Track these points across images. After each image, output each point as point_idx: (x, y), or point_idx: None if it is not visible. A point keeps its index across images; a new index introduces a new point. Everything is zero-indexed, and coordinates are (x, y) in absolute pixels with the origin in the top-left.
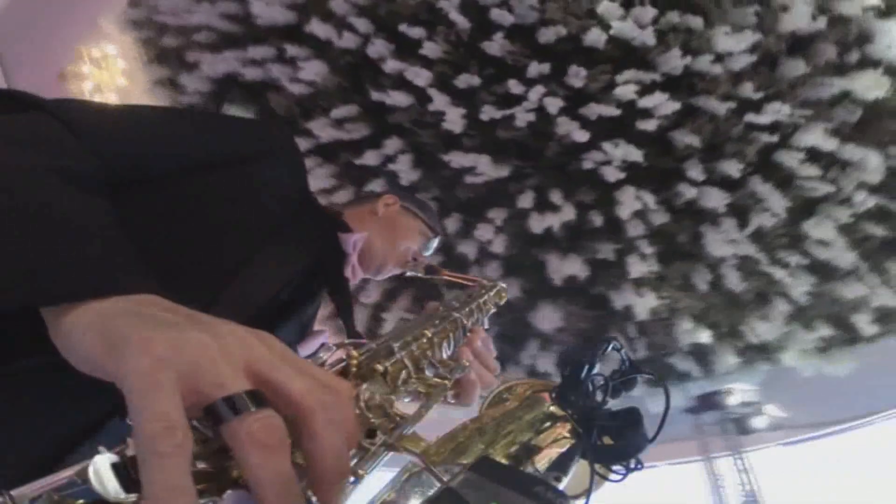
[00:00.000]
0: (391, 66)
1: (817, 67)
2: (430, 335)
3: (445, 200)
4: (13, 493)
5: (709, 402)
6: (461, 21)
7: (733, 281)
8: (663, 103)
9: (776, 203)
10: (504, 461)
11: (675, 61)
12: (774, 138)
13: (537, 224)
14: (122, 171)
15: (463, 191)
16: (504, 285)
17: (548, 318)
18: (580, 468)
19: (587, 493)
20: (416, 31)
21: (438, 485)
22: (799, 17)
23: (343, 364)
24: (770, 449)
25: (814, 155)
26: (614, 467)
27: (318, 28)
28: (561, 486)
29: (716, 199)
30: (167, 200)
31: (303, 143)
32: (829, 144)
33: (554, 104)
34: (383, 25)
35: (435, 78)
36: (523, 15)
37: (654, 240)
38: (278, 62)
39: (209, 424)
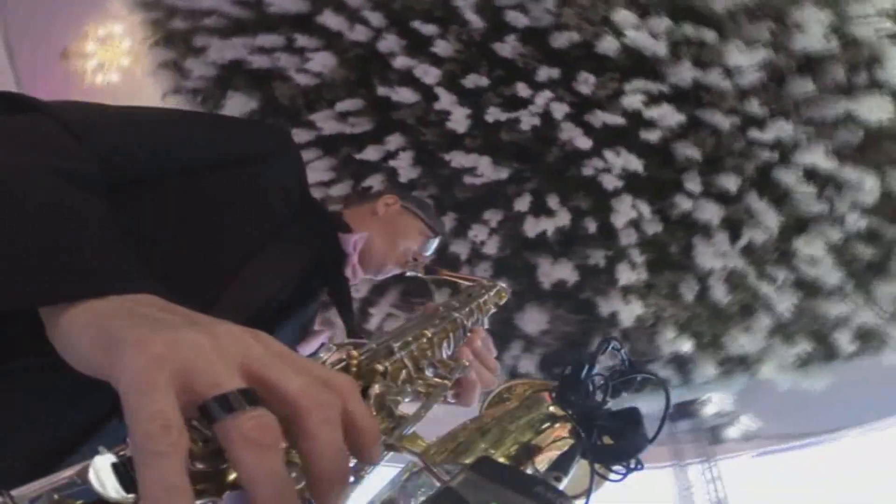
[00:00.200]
0: (401, 62)
1: (824, 87)
2: (430, 335)
3: (442, 199)
4: (13, 493)
5: (685, 411)
6: (475, 20)
7: (720, 293)
8: (669, 115)
9: (770, 219)
10: (504, 461)
11: (684, 73)
12: (775, 156)
13: (532, 228)
14: (121, 172)
15: (461, 191)
16: (504, 285)
17: (534, 320)
18: (580, 468)
19: (587, 493)
20: (428, 29)
21: (438, 485)
22: (812, 36)
23: (343, 364)
24: (741, 459)
25: (811, 174)
26: (614, 467)
27: (330, 19)
28: (561, 486)
29: (711, 212)
30: (167, 201)
31: (304, 135)
32: (827, 164)
33: (560, 109)
34: (396, 20)
35: (443, 76)
36: (538, 18)
37: (645, 248)
38: (287, 51)
39: (206, 426)
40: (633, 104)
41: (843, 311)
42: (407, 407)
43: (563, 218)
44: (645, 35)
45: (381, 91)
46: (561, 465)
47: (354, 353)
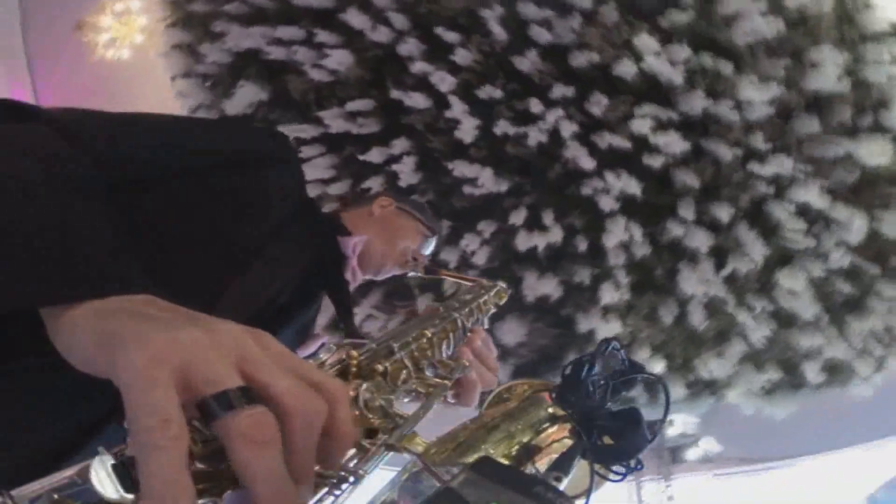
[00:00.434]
0: (418, 66)
1: (829, 127)
2: (430, 335)
3: (439, 207)
4: (13, 493)
5: (649, 430)
6: (499, 32)
7: (698, 318)
8: (675, 142)
9: (757, 251)
10: (504, 461)
11: (696, 102)
12: (771, 190)
13: (523, 241)
14: (119, 176)
15: (458, 200)
16: (504, 285)
17: (512, 331)
18: (580, 468)
19: (587, 493)
20: (451, 36)
21: (438, 485)
22: (827, 77)
23: (343, 364)
24: (698, 478)
25: (803, 209)
26: (614, 467)
27: (354, 17)
28: (561, 487)
29: (700, 240)
30: (166, 204)
31: (310, 131)
32: (821, 202)
33: (568, 128)
34: (420, 25)
35: (458, 85)
36: (561, 35)
37: (631, 270)
38: (305, 45)
39: (205, 424)
40: (641, 129)
41: (816, 343)
42: (407, 407)
43: (556, 234)
44: (663, 62)
45: (395, 94)
46: (561, 465)
47: (354, 353)
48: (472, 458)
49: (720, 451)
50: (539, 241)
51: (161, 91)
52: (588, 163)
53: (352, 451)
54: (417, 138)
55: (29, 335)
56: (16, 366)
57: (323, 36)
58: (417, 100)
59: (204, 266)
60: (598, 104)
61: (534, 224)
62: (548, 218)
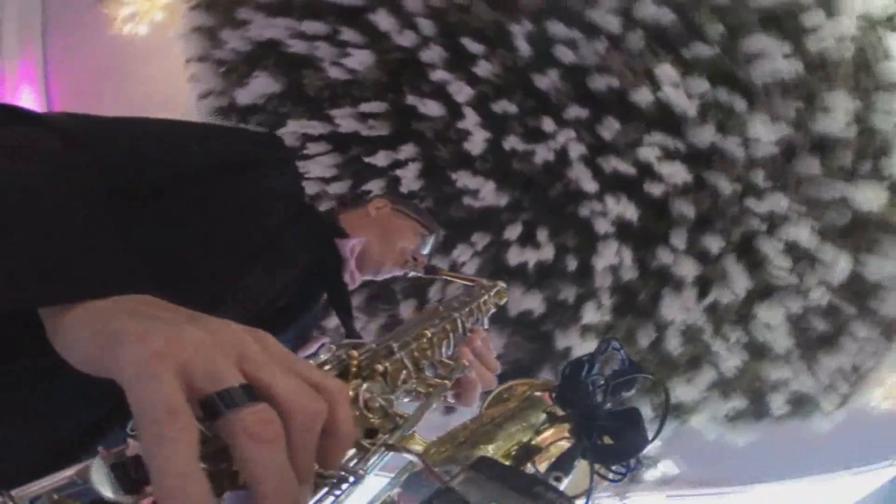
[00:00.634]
0: (438, 75)
1: (829, 169)
2: (429, 335)
3: (436, 214)
4: (13, 493)
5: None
6: (524, 48)
7: (673, 343)
8: (679, 173)
9: (740, 284)
10: (504, 461)
11: (705, 135)
12: (763, 226)
13: (514, 256)
14: (118, 180)
15: (457, 210)
16: (504, 285)
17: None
18: (580, 468)
19: (587, 493)
20: (476, 47)
21: (438, 485)
22: (836, 121)
23: (343, 364)
24: (652, 500)
25: (791, 247)
26: (614, 467)
27: (383, 19)
28: (561, 487)
29: (687, 269)
30: (164, 208)
31: (318, 128)
32: (810, 242)
33: (577, 149)
34: (447, 33)
35: (475, 97)
36: (584, 57)
37: (615, 292)
38: (328, 42)
39: (207, 422)
40: (648, 156)
41: (784, 376)
42: (407, 407)
43: (548, 252)
44: (680, 93)
45: (410, 100)
46: (561, 465)
47: (354, 353)
48: (472, 458)
49: (677, 474)
50: (530, 258)
51: (173, 72)
52: (590, 185)
53: (352, 451)
54: (425, 145)
55: (29, 336)
56: (16, 367)
57: (348, 34)
58: (432, 107)
59: (203, 269)
60: (610, 128)
61: (527, 240)
62: (542, 235)
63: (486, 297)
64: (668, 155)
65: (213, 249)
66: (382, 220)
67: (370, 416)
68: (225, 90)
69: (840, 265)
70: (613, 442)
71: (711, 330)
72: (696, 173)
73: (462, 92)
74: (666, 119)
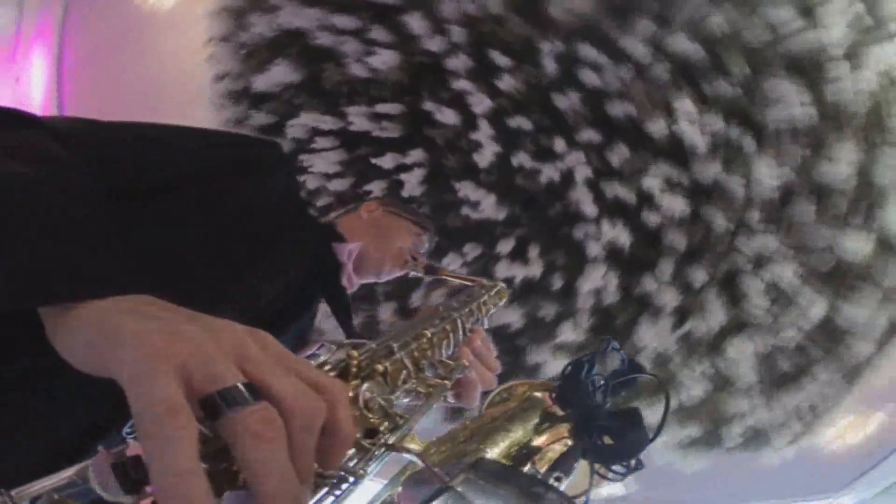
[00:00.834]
0: (460, 84)
1: (822, 216)
2: (429, 335)
3: (433, 220)
4: (13, 492)
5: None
6: (550, 67)
7: None
8: (678, 205)
9: (716, 317)
10: (504, 461)
11: (710, 171)
12: (749, 265)
13: (503, 270)
14: (118, 180)
15: (454, 219)
16: (504, 285)
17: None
18: (580, 468)
19: (587, 493)
20: (503, 60)
21: (438, 485)
22: (839, 171)
23: (343, 364)
24: None
25: (772, 287)
26: (614, 467)
27: (415, 21)
28: (561, 487)
29: (668, 299)
30: (164, 209)
31: (330, 123)
32: (791, 284)
33: (583, 172)
34: (477, 42)
35: (492, 109)
36: (608, 82)
37: (594, 314)
38: (355, 38)
39: (207, 422)
40: (651, 186)
41: (743, 409)
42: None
43: (536, 269)
44: (695, 128)
45: (428, 105)
46: (561, 465)
47: (354, 353)
48: (472, 458)
49: (623, 495)
50: (518, 273)
51: (191, 50)
52: (590, 208)
53: (352, 451)
54: (434, 152)
55: (29, 336)
56: (16, 367)
57: (377, 32)
58: (448, 115)
59: (201, 271)
60: (619, 155)
61: (518, 255)
62: (533, 252)
63: (485, 297)
64: (671, 186)
65: (212, 251)
66: (376, 223)
67: (370, 416)
68: (242, 74)
69: (816, 309)
70: (613, 442)
71: (681, 359)
72: (695, 207)
73: (481, 103)
74: (675, 151)
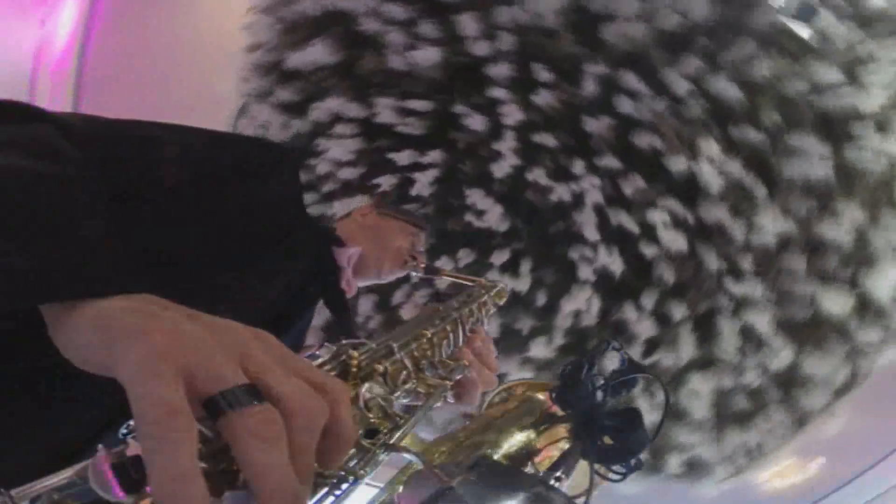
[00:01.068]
0: (496, 92)
1: (812, 268)
2: (429, 335)
3: (432, 222)
4: (13, 492)
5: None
6: (589, 89)
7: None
8: (678, 241)
9: (686, 352)
10: (504, 461)
11: (716, 213)
12: (730, 306)
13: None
14: (120, 181)
15: (455, 223)
16: (504, 285)
17: None
18: (580, 468)
19: (587, 493)
20: (545, 76)
21: (438, 485)
22: (840, 229)
23: (343, 364)
24: None
25: (746, 330)
26: (614, 467)
27: (467, 23)
28: (561, 487)
29: (644, 328)
30: (165, 209)
31: (355, 110)
32: (765, 330)
33: (594, 196)
34: (523, 53)
35: (521, 122)
36: (641, 113)
37: (568, 334)
38: (402, 29)
39: (208, 422)
40: (656, 219)
41: (692, 441)
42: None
43: (525, 284)
44: (713, 170)
45: (458, 108)
46: (561, 465)
47: (354, 353)
48: (472, 458)
49: None
50: (507, 284)
51: (228, 15)
52: (592, 233)
53: (352, 451)
54: (452, 156)
55: (29, 336)
56: (16, 367)
57: (425, 27)
58: (476, 121)
59: (201, 273)
60: (633, 185)
61: (509, 268)
62: (525, 267)
63: (485, 297)
64: (675, 223)
65: (212, 251)
66: (372, 226)
67: (370, 416)
68: (277, 48)
69: (782, 356)
70: (613, 442)
71: (644, 385)
72: (691, 244)
73: (512, 114)
74: (687, 188)
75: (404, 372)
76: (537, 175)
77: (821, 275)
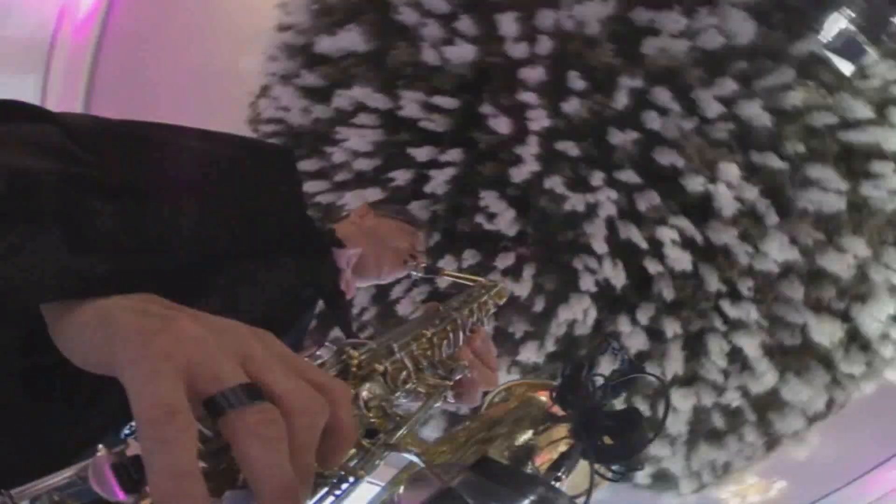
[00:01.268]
0: (526, 96)
1: (808, 297)
2: (429, 335)
3: (441, 222)
4: (13, 492)
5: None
6: (621, 102)
7: None
8: (683, 261)
9: (673, 367)
10: (504, 461)
11: (725, 235)
12: (723, 328)
13: None
14: (122, 182)
15: (463, 223)
16: (504, 285)
17: None
18: (580, 468)
19: (587, 493)
20: (579, 84)
21: (438, 485)
22: (842, 263)
23: (343, 364)
24: None
25: (734, 352)
26: (614, 467)
27: (507, 24)
28: (561, 487)
29: (636, 342)
30: (165, 212)
31: (379, 101)
32: (753, 353)
33: (608, 209)
34: (559, 58)
35: (547, 129)
36: (667, 129)
37: (560, 342)
38: (440, 23)
39: (208, 422)
40: (664, 237)
41: (662, 454)
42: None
43: (525, 289)
44: (729, 193)
45: (486, 109)
46: (561, 465)
47: (354, 353)
48: (472, 458)
49: None
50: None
51: None
52: (601, 247)
53: (352, 451)
54: (473, 156)
55: (30, 336)
56: (16, 367)
57: (464, 23)
58: (502, 124)
59: (201, 273)
60: (648, 201)
61: (512, 272)
62: (528, 272)
63: (486, 296)
64: (684, 241)
65: (213, 252)
66: (370, 226)
67: (370, 416)
68: (308, 30)
69: (766, 379)
70: (613, 442)
71: (626, 395)
72: (695, 264)
73: (539, 120)
74: (700, 209)
75: (404, 372)
76: (555, 183)
77: (815, 304)
